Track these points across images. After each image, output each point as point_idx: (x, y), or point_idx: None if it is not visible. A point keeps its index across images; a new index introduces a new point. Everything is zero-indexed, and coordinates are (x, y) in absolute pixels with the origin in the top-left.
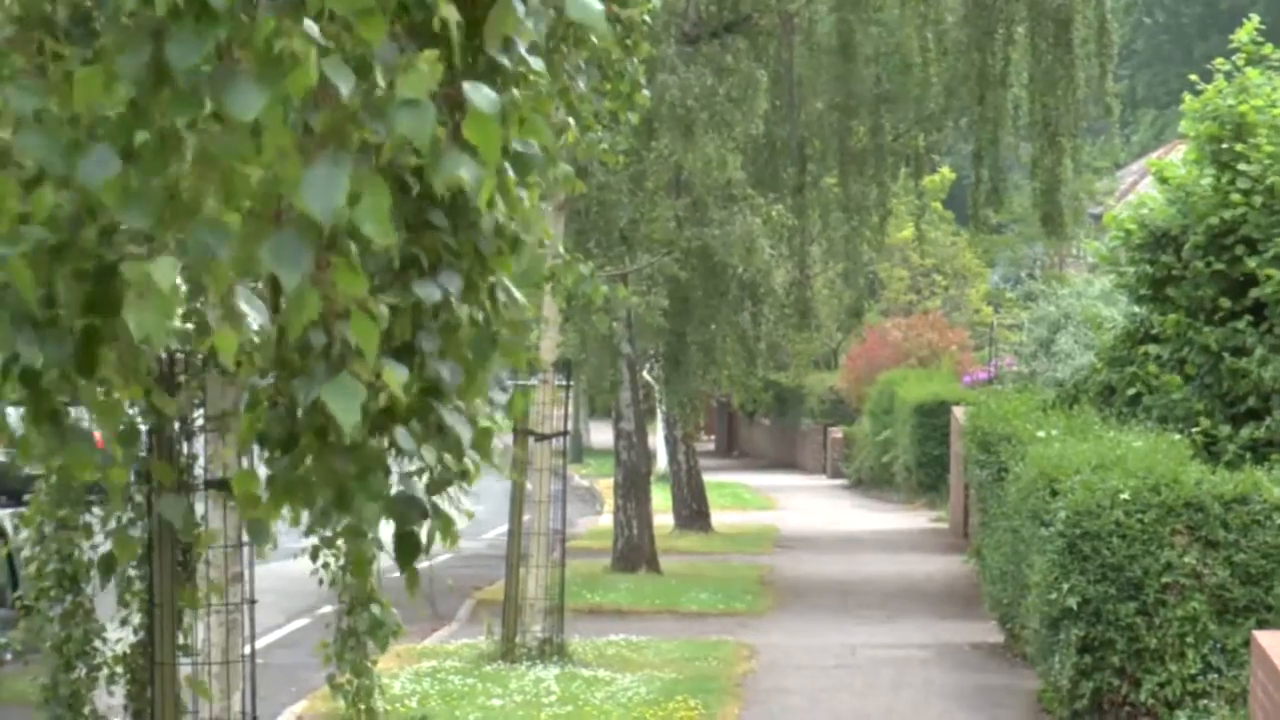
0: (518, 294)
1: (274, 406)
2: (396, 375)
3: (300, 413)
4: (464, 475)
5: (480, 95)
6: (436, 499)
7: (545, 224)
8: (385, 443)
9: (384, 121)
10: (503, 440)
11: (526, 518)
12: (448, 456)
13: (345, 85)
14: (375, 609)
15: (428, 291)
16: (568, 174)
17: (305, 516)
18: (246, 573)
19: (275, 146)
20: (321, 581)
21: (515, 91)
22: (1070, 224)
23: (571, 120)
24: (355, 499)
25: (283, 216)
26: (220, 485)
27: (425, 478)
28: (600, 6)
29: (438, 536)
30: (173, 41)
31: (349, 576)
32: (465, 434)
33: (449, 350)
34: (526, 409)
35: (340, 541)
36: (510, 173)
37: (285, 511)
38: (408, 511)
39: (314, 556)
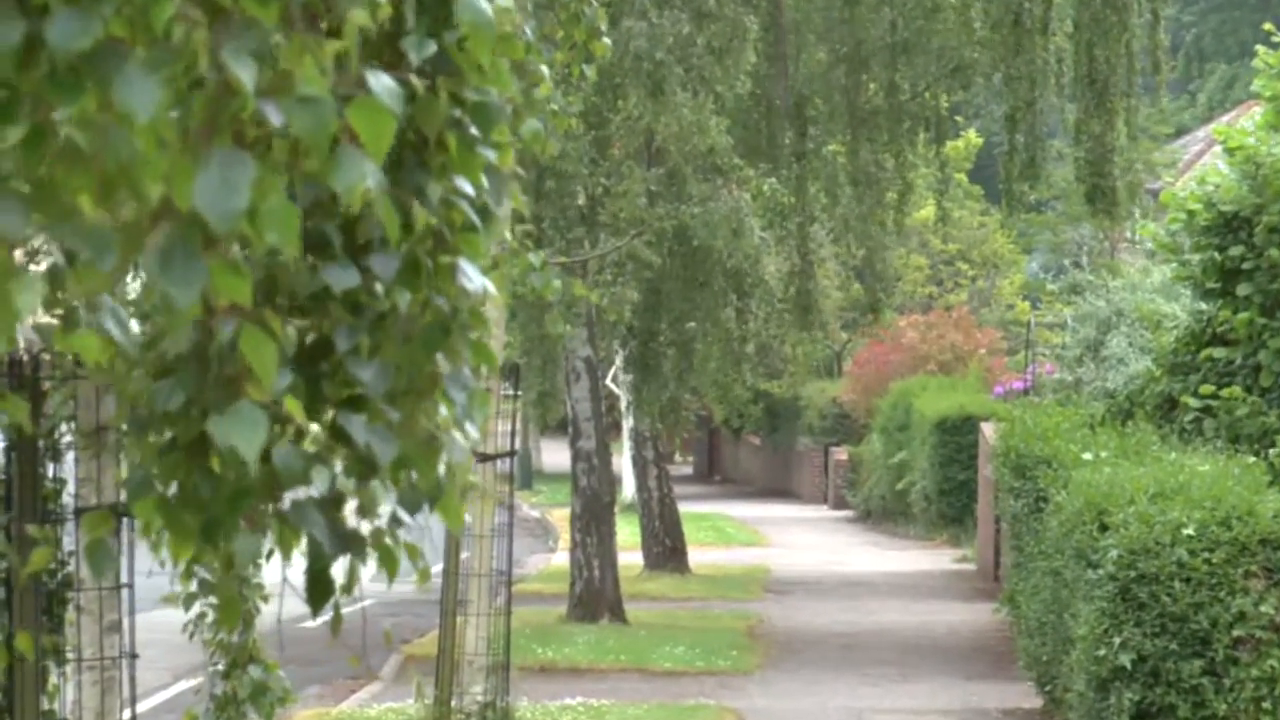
0: (484, 280)
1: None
2: (298, 402)
3: (160, 421)
4: (425, 501)
5: (380, 83)
6: (386, 528)
7: (515, 193)
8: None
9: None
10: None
11: (465, 555)
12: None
13: (247, 76)
14: (256, 670)
15: (340, 277)
16: (536, 131)
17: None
18: (126, 621)
19: (159, 141)
20: (192, 636)
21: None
22: (1123, 202)
23: (544, 71)
24: (224, 529)
25: (165, 219)
26: (97, 511)
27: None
28: (488, 11)
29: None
30: (58, 19)
31: (235, 632)
32: (385, 452)
33: (383, 347)
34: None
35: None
36: (472, 129)
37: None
38: (341, 543)
39: (187, 605)
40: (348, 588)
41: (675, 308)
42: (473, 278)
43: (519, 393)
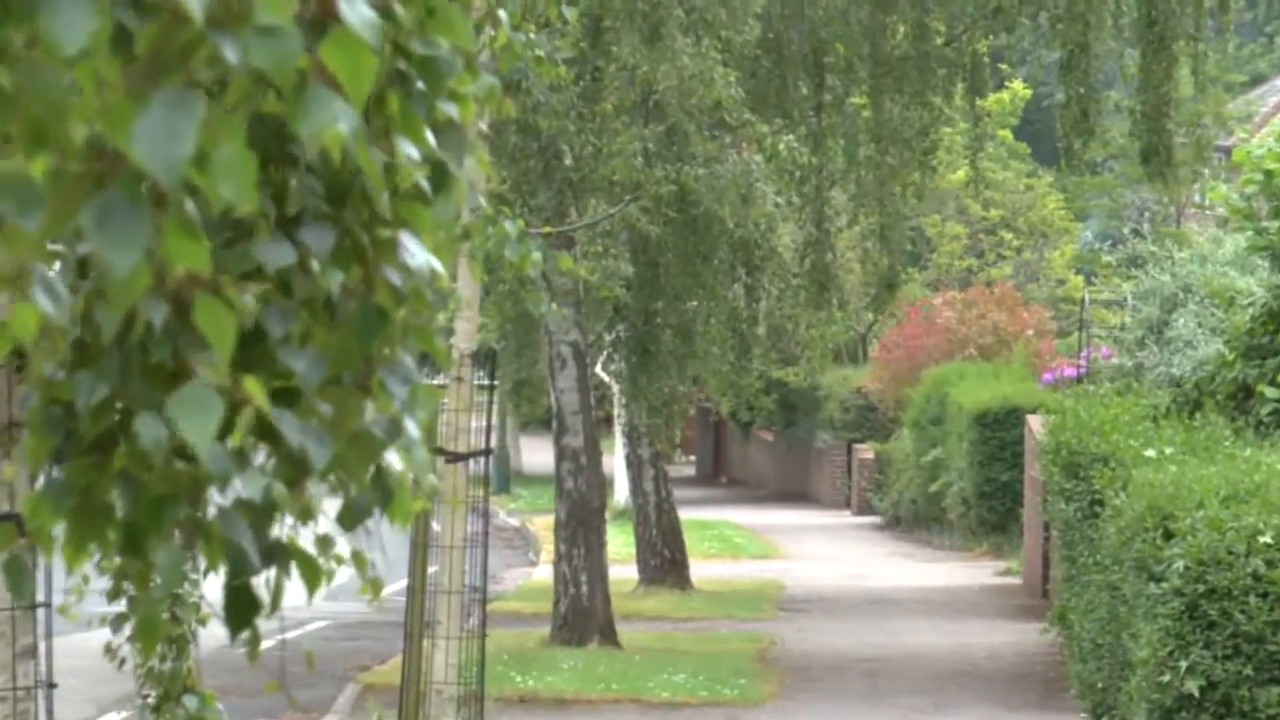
0: (428, 255)
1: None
2: (258, 383)
3: (82, 418)
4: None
5: (356, 11)
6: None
7: (481, 154)
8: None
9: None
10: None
11: (432, 569)
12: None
13: (197, 2)
14: (192, 702)
15: (274, 255)
16: (492, 88)
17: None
18: (42, 645)
19: (98, 81)
20: (121, 663)
21: None
22: (1182, 161)
23: (503, 15)
24: (152, 539)
25: (108, 171)
26: (4, 520)
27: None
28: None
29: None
30: None
31: (168, 659)
32: (320, 453)
33: (314, 334)
34: (435, 415)
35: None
36: (419, 84)
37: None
38: (267, 555)
39: (115, 626)
40: (274, 605)
41: (675, 284)
42: (416, 254)
43: (495, 382)
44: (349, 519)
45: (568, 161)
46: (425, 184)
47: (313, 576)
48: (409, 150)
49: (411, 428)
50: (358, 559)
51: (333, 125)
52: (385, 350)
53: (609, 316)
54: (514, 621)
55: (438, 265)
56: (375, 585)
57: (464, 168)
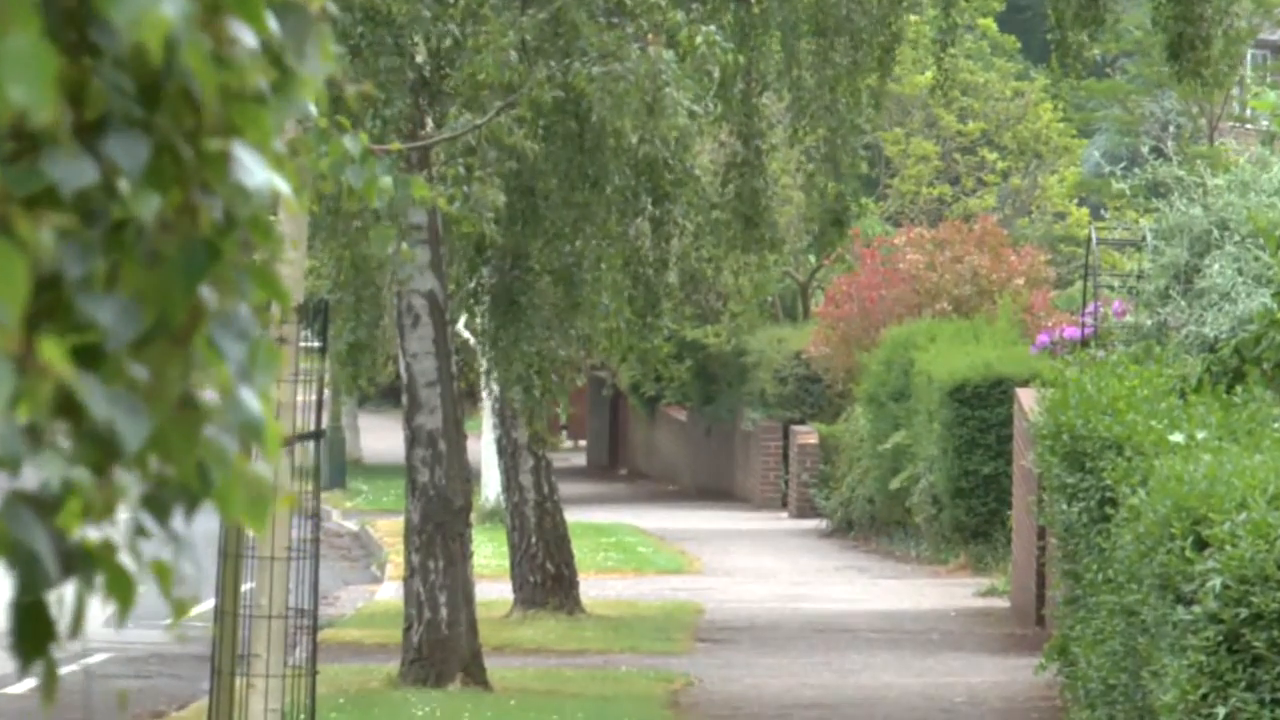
0: (272, 174)
1: None
2: (59, 345)
3: None
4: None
5: None
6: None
7: (326, 42)
8: None
9: None
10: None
11: (247, 587)
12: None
13: None
14: None
15: (70, 172)
16: None
17: None
18: None
19: None
20: None
21: None
22: (1221, 57)
23: None
24: None
25: None
26: None
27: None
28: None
29: (105, 611)
30: None
31: None
32: (134, 428)
33: (124, 274)
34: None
35: None
36: None
37: None
38: (67, 562)
39: None
40: (75, 628)
41: (556, 216)
42: (254, 171)
43: (327, 344)
44: (157, 506)
45: (420, 58)
46: (259, 80)
47: (124, 591)
48: (244, 36)
49: (248, 397)
50: (158, 571)
51: (155, 8)
52: (215, 296)
53: (469, 257)
54: (353, 654)
55: (283, 185)
56: (181, 606)
57: (308, 57)
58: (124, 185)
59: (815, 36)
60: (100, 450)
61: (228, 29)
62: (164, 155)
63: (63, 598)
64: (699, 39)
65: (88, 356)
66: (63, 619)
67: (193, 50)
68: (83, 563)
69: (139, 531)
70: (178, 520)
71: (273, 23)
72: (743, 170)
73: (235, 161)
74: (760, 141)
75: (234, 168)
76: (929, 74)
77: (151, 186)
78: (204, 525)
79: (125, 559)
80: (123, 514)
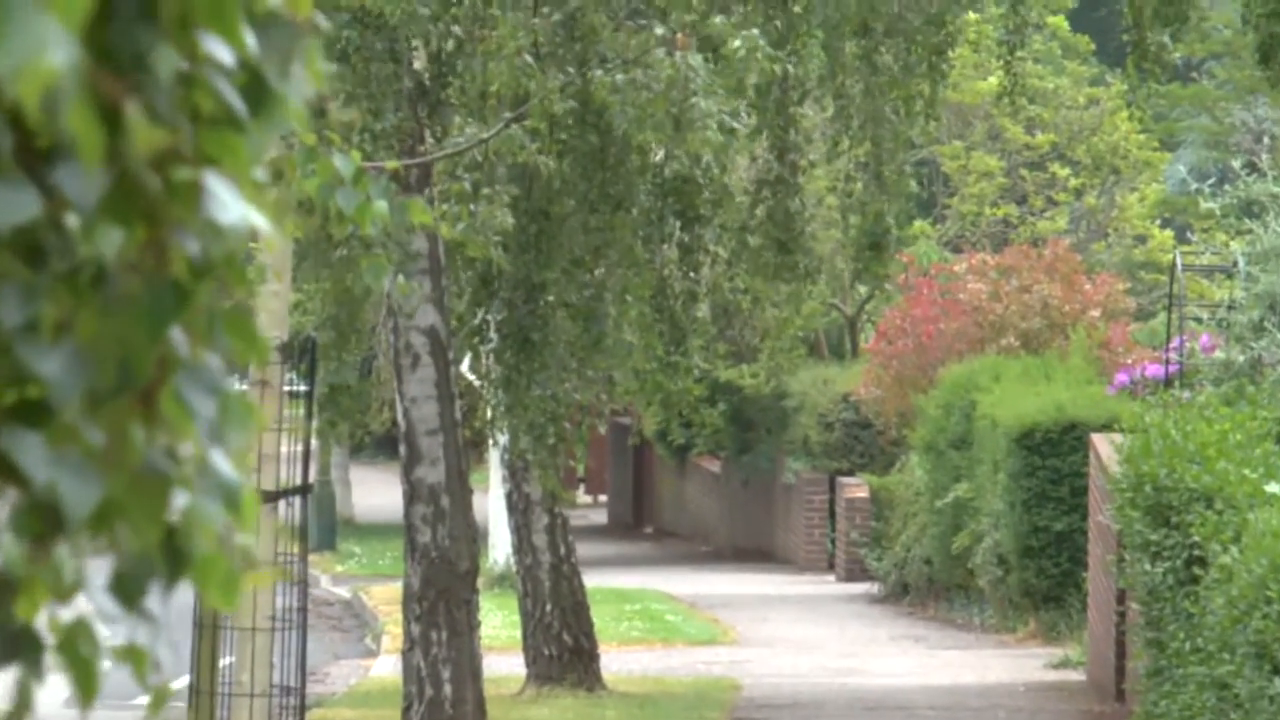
0: (247, 209)
1: None
2: None
3: None
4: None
5: None
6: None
7: (314, 58)
8: None
9: None
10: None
11: (225, 662)
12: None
13: None
14: None
15: (10, 205)
16: None
17: None
18: None
19: None
20: None
21: None
22: None
23: None
24: None
25: None
26: None
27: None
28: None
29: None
30: None
31: None
32: (81, 495)
33: (78, 321)
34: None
35: None
36: None
37: None
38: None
39: None
40: (18, 716)
41: (574, 242)
42: (229, 205)
43: (315, 387)
44: (125, 591)
45: (418, 65)
46: (238, 102)
47: (86, 677)
48: (219, 52)
49: (220, 461)
50: (133, 656)
51: (41, 55)
52: (182, 345)
53: (475, 289)
54: None
55: (260, 221)
56: (159, 695)
57: (292, 77)
58: (72, 220)
59: (861, 38)
60: (42, 520)
61: (199, 44)
62: (125, 188)
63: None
64: (737, 43)
65: (29, 413)
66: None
67: (77, 113)
68: (29, 646)
69: (103, 614)
70: (153, 600)
71: (251, 37)
72: (776, 189)
73: (208, 194)
74: (797, 156)
75: (206, 201)
76: (993, 79)
77: (111, 221)
78: (177, 595)
79: (85, 645)
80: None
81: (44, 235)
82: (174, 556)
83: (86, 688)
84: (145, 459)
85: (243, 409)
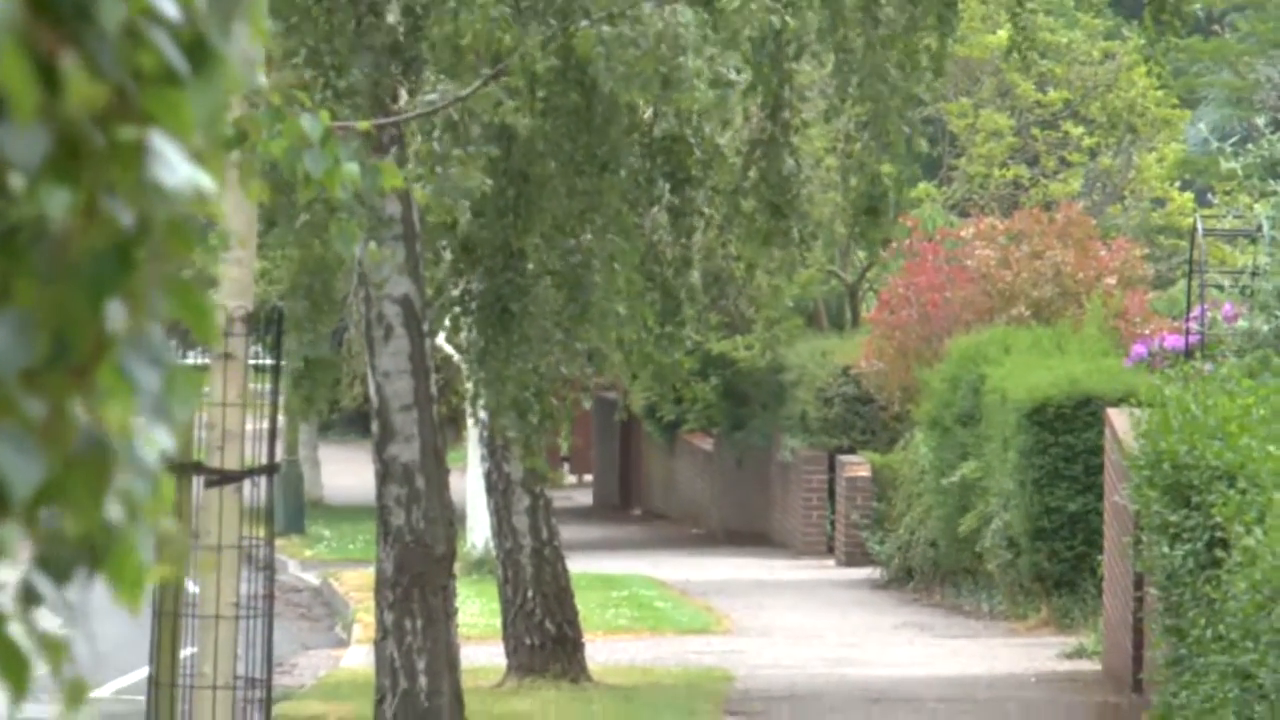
0: (192, 169)
1: None
2: None
3: None
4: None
5: None
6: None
7: (257, 12)
8: None
9: None
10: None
11: (187, 653)
12: None
13: None
14: None
15: None
16: None
17: None
18: None
19: None
20: None
21: None
22: None
23: None
24: None
25: None
26: None
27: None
28: None
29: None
30: None
31: None
32: (25, 472)
33: (17, 289)
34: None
35: None
36: None
37: None
38: None
39: None
40: None
41: (557, 206)
42: (174, 166)
43: (283, 361)
44: (55, 567)
45: (391, 17)
46: (178, 59)
47: (16, 669)
48: (163, 5)
49: (162, 434)
50: (48, 646)
51: None
52: (125, 314)
53: (455, 256)
54: None
55: (206, 182)
56: (75, 690)
57: (234, 35)
58: (16, 180)
59: None
60: None
61: None
62: (68, 147)
63: None
64: None
65: None
66: None
67: (10, 65)
68: None
69: (30, 597)
70: (75, 586)
71: None
72: (769, 149)
73: (152, 154)
74: (791, 115)
75: (150, 162)
76: (1002, 33)
77: (55, 182)
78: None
79: (16, 630)
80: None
81: None
82: (108, 539)
83: (16, 676)
84: (84, 435)
85: (188, 382)
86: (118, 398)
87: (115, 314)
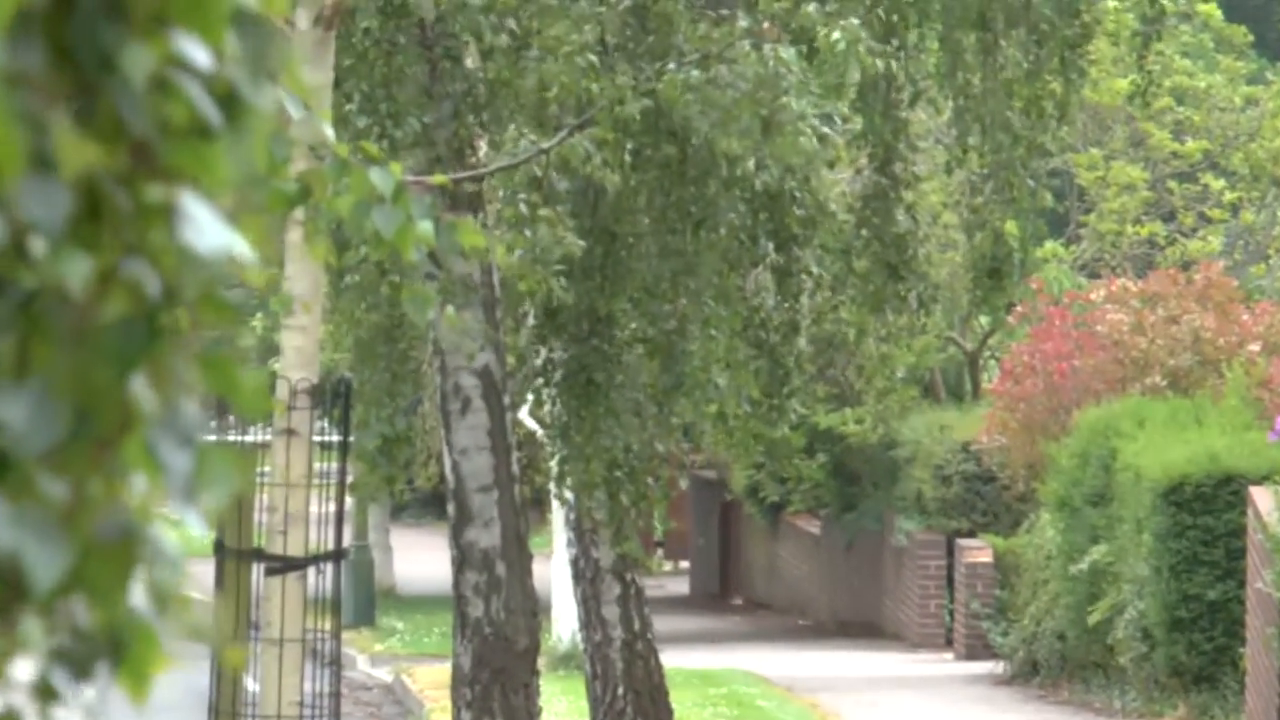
0: (225, 229)
1: None
2: None
3: None
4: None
5: None
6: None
7: (295, 67)
8: None
9: None
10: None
11: None
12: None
13: None
14: None
15: None
16: None
17: None
18: None
19: None
20: None
21: None
22: None
23: None
24: None
25: None
26: None
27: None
28: None
29: None
30: None
31: None
32: (48, 561)
33: (39, 360)
34: (248, 499)
35: None
36: None
37: None
38: None
39: None
40: None
41: (649, 268)
42: (206, 229)
43: (352, 436)
44: (75, 663)
45: (470, 62)
46: (211, 110)
47: None
48: (194, 54)
49: (193, 518)
50: None
51: None
52: (151, 388)
53: (539, 323)
54: None
55: (242, 247)
56: None
57: (269, 86)
58: (38, 245)
59: (982, 30)
60: (2, 588)
61: (172, 44)
62: (93, 207)
63: None
64: (836, 34)
65: None
66: None
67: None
68: None
69: (47, 693)
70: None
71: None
72: (882, 204)
73: (182, 216)
74: (901, 166)
75: (180, 224)
76: (1132, 78)
77: (76, 247)
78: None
79: None
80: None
81: (3, 262)
82: (114, 641)
83: None
84: (108, 519)
85: (222, 463)
86: (144, 479)
87: (141, 388)
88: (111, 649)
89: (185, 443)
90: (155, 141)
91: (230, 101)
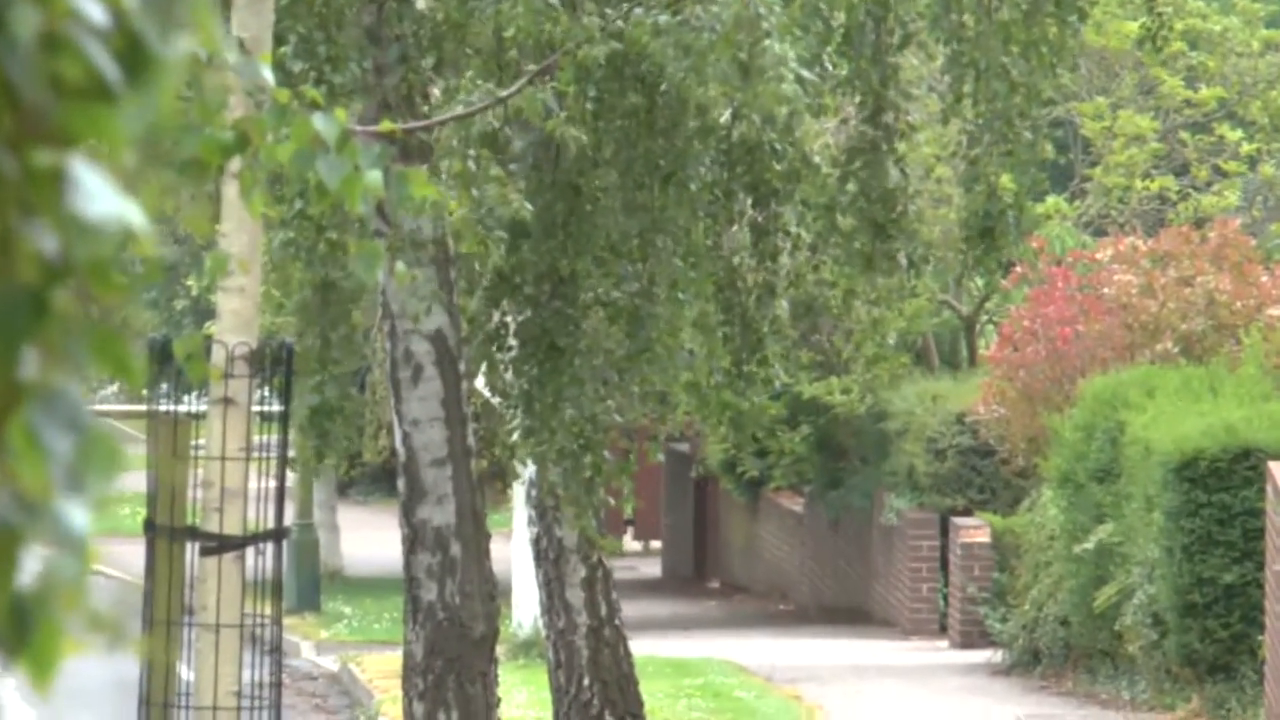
0: (117, 198)
1: None
2: None
3: None
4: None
5: None
6: None
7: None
8: None
9: None
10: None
11: None
12: None
13: None
14: None
15: None
16: None
17: None
18: None
19: None
20: None
21: None
22: None
23: None
24: None
25: None
26: None
27: None
28: None
29: None
30: None
31: None
32: None
33: None
34: (181, 472)
35: None
36: None
37: None
38: None
39: None
40: None
41: (614, 225)
42: (98, 197)
43: (289, 404)
44: None
45: (420, 3)
46: (108, 68)
47: None
48: (89, 9)
49: (73, 512)
50: None
51: None
52: (39, 367)
53: (491, 286)
54: None
55: (135, 216)
56: None
57: (179, 35)
58: None
59: None
60: None
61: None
62: None
63: None
64: None
65: None
66: None
67: None
68: None
69: None
70: None
71: None
72: (867, 157)
73: (72, 183)
74: (893, 117)
75: (70, 192)
76: (1141, 20)
77: None
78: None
79: None
80: None
81: None
82: (20, 627)
83: None
84: None
85: (106, 449)
86: (29, 461)
87: (30, 363)
88: (9, 635)
89: (70, 427)
90: (47, 103)
91: (134, 55)
